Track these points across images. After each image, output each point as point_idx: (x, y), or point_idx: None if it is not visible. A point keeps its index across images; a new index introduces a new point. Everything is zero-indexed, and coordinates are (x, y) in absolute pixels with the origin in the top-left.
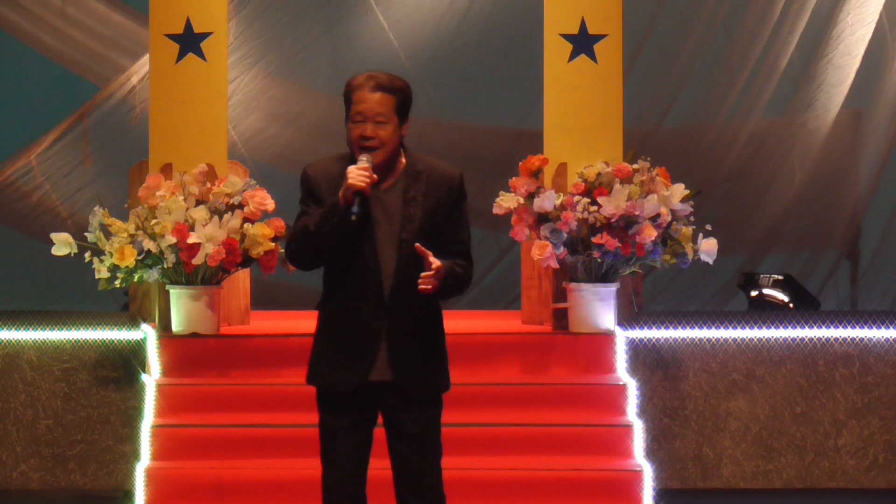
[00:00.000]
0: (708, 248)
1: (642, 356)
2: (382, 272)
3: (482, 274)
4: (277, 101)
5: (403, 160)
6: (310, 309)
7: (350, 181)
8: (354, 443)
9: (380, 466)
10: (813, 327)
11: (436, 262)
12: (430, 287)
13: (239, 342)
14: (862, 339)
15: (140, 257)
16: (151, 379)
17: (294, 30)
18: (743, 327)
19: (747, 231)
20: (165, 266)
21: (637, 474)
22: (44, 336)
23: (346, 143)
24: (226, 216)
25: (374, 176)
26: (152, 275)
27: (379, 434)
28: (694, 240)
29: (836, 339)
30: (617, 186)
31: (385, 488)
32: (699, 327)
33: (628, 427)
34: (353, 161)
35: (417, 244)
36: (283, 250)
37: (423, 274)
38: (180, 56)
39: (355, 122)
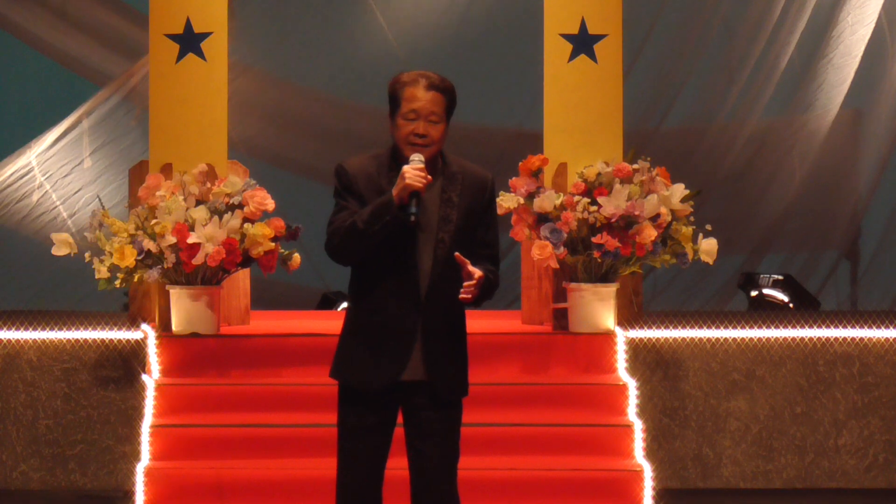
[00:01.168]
0: (708, 248)
1: (642, 356)
2: (420, 272)
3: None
4: (277, 101)
5: (440, 161)
6: (310, 309)
7: (408, 181)
8: (375, 444)
9: (396, 466)
10: (813, 327)
11: (477, 272)
12: (470, 297)
13: (239, 342)
14: (862, 339)
15: (140, 257)
16: (151, 379)
17: (294, 30)
18: (743, 327)
19: (747, 231)
20: (165, 266)
21: (637, 474)
22: (44, 336)
23: (392, 139)
24: (226, 216)
25: (429, 176)
26: (152, 275)
27: (397, 433)
28: (694, 240)
29: (836, 339)
30: (617, 186)
31: (401, 488)
32: (699, 327)
33: (628, 427)
34: (394, 159)
35: (457, 253)
36: (283, 251)
37: (466, 283)
38: (180, 56)
39: (408, 120)
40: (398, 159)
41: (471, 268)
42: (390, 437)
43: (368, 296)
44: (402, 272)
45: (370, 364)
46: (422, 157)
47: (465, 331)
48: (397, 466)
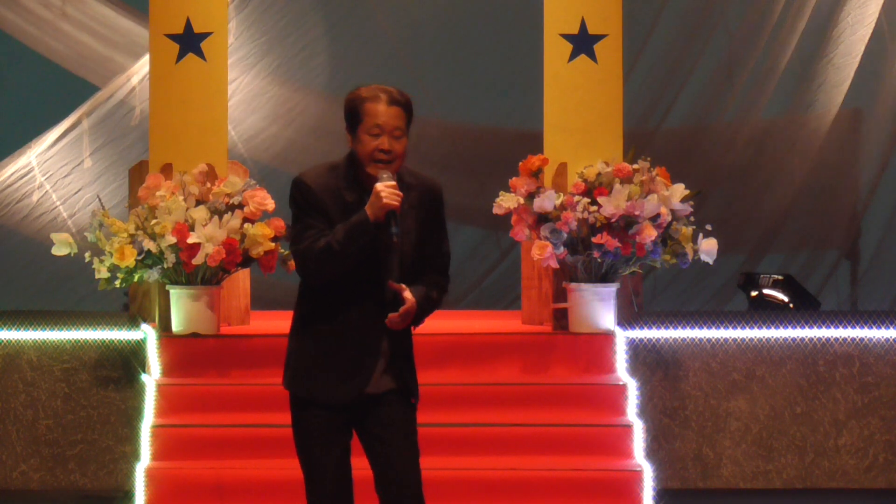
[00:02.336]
0: (708, 248)
1: (642, 356)
2: (384, 284)
3: (482, 274)
4: (277, 101)
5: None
6: None
7: (385, 201)
8: (341, 451)
9: (357, 466)
10: (813, 327)
11: (410, 300)
12: (399, 327)
13: (239, 342)
14: (862, 339)
15: (140, 257)
16: (151, 379)
17: (294, 30)
18: (743, 327)
19: (747, 231)
20: (165, 266)
21: (637, 474)
22: (44, 336)
23: (352, 153)
24: (226, 216)
25: (400, 193)
26: (152, 275)
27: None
28: (694, 240)
29: (836, 339)
30: (617, 186)
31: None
32: (699, 327)
33: (628, 427)
34: (353, 173)
35: (391, 281)
36: (283, 251)
37: (391, 315)
38: (180, 56)
39: (372, 135)
40: (358, 173)
41: (406, 294)
42: (350, 445)
43: (327, 307)
44: (365, 285)
45: (334, 378)
46: (391, 175)
47: (411, 334)
48: (358, 466)
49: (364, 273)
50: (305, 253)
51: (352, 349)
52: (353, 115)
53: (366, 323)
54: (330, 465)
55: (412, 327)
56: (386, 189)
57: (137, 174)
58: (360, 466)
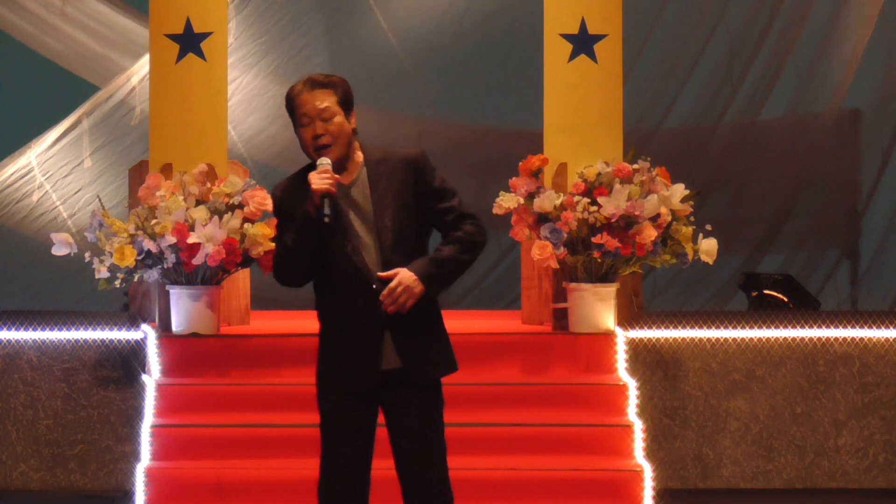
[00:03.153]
0: (708, 248)
1: (642, 356)
2: (368, 266)
3: (482, 274)
4: (277, 101)
5: (360, 153)
6: (310, 309)
7: (314, 187)
8: (358, 447)
9: (382, 466)
10: (813, 327)
11: (396, 280)
12: (393, 307)
13: (239, 342)
14: (862, 339)
15: (140, 257)
16: (151, 379)
17: (294, 30)
18: (743, 327)
19: (747, 231)
20: (165, 266)
21: (637, 474)
22: (44, 336)
23: (303, 151)
24: (226, 216)
25: (336, 175)
26: (152, 275)
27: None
28: (694, 240)
29: (836, 339)
30: (617, 186)
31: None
32: (699, 327)
33: (628, 427)
34: (315, 167)
35: (380, 273)
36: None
37: (381, 297)
38: (180, 56)
39: (303, 126)
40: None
41: (395, 275)
42: (373, 439)
43: (328, 302)
44: (350, 270)
45: (351, 367)
46: (328, 161)
47: (436, 314)
48: (383, 466)
49: (345, 262)
50: (274, 258)
51: (356, 335)
52: (290, 114)
53: (361, 305)
54: (342, 462)
55: (432, 296)
56: (314, 175)
57: (137, 174)
58: (385, 467)
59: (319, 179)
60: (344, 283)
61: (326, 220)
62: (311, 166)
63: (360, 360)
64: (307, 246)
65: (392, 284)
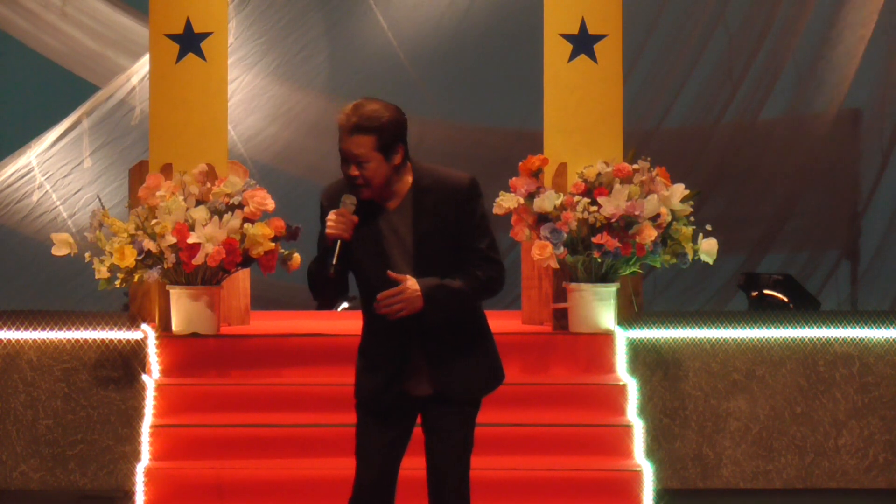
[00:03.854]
0: (708, 248)
1: (642, 356)
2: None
3: None
4: (277, 101)
5: (409, 177)
6: (310, 309)
7: (327, 230)
8: (386, 455)
9: (412, 466)
10: (813, 327)
11: (402, 284)
12: (385, 311)
13: (239, 342)
14: (862, 339)
15: (140, 257)
16: (151, 379)
17: (294, 30)
18: (743, 327)
19: (747, 231)
20: (165, 266)
21: (637, 474)
22: (44, 336)
23: None
24: (226, 216)
25: (355, 218)
26: (152, 275)
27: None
28: (694, 240)
29: (836, 339)
30: (617, 186)
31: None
32: (699, 327)
33: (628, 427)
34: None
35: (389, 271)
36: (283, 251)
37: (379, 294)
38: (180, 56)
39: (343, 160)
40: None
41: (405, 281)
42: (407, 439)
43: (369, 317)
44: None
45: (372, 384)
46: (353, 199)
47: (479, 325)
48: (412, 466)
49: (382, 285)
50: (307, 271)
51: (389, 360)
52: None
53: (396, 333)
54: (370, 466)
55: (427, 318)
56: (332, 216)
57: (137, 174)
58: (415, 467)
59: (335, 223)
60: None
61: (331, 271)
62: None
63: (390, 387)
64: (324, 275)
65: (395, 289)
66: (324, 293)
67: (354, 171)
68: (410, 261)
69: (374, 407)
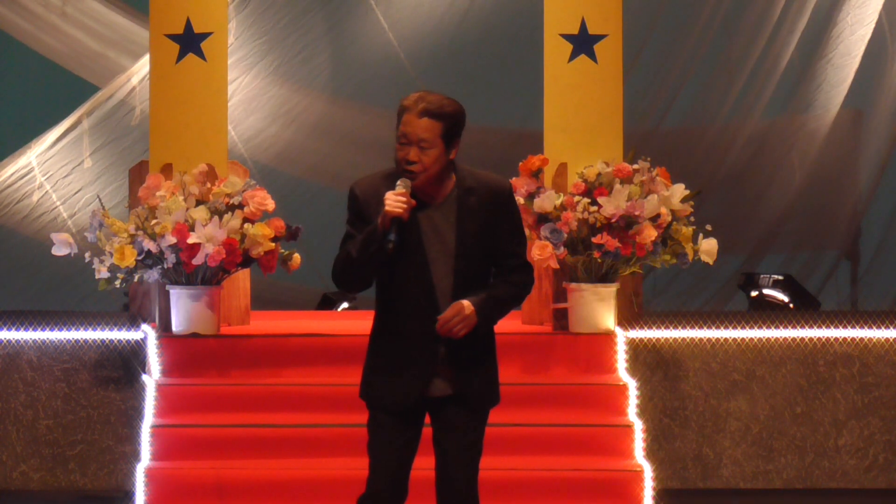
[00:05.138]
0: (708, 248)
1: (642, 356)
2: (437, 291)
3: None
4: (277, 101)
5: (453, 177)
6: (310, 309)
7: (387, 208)
8: (400, 455)
9: (423, 466)
10: (813, 327)
11: (455, 309)
12: (446, 333)
13: (239, 342)
14: (862, 339)
15: (140, 257)
16: (151, 379)
17: (294, 30)
18: (743, 327)
19: (747, 231)
20: (165, 266)
21: (637, 474)
22: (44, 336)
23: (394, 160)
24: (226, 216)
25: (412, 201)
26: (152, 275)
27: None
28: (694, 240)
29: (836, 339)
30: (617, 186)
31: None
32: (699, 327)
33: (628, 427)
34: (397, 176)
35: (439, 317)
36: (283, 251)
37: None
38: (180, 56)
39: (401, 144)
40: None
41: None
42: (417, 442)
43: (390, 317)
44: (419, 294)
45: (395, 387)
46: (408, 183)
47: (493, 339)
48: (419, 467)
49: (415, 284)
50: (336, 260)
51: (411, 359)
52: (397, 120)
53: (423, 332)
54: (387, 466)
55: (479, 331)
56: (391, 196)
57: (137, 174)
58: (426, 467)
59: (395, 202)
60: (408, 305)
61: (391, 246)
62: (395, 173)
63: (407, 387)
64: (366, 262)
65: (451, 312)
66: (358, 281)
67: (414, 156)
68: (450, 260)
69: (392, 407)
